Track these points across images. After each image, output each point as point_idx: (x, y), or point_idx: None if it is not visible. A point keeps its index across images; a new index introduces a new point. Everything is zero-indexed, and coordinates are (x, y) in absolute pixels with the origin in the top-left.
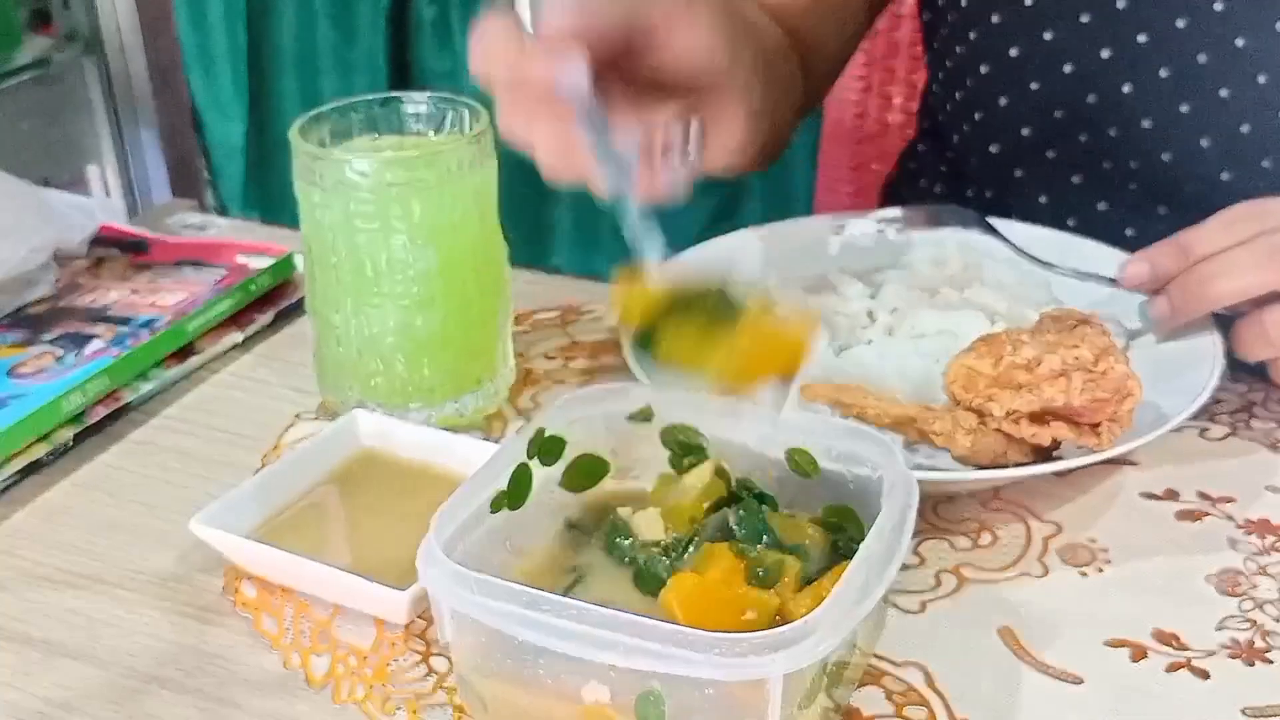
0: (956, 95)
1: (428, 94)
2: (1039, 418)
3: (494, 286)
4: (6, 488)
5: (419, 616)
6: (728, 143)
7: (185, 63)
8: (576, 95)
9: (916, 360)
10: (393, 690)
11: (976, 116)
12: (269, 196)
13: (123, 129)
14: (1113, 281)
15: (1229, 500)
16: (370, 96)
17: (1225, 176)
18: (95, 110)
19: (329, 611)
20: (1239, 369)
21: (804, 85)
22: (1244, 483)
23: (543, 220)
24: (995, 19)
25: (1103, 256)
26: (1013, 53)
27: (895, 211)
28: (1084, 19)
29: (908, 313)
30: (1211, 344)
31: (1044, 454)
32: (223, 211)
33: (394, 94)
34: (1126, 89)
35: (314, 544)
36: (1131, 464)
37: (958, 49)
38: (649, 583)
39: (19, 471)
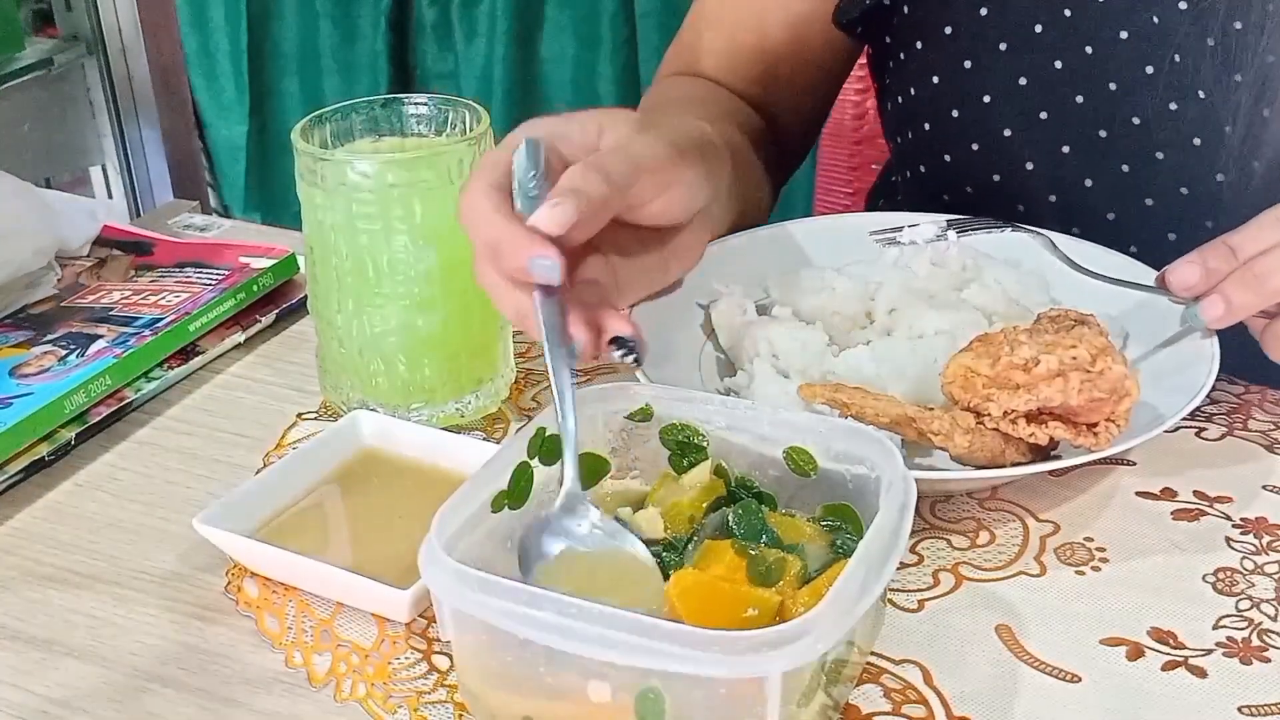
0: (909, 134)
1: (429, 95)
2: (1036, 417)
3: None
4: (9, 487)
5: (420, 615)
6: (687, 266)
7: (187, 64)
8: (544, 283)
9: (914, 361)
10: (394, 688)
11: (921, 168)
12: (271, 197)
13: (125, 130)
14: (1150, 288)
15: (1226, 500)
16: (372, 98)
17: (1172, 235)
18: (97, 111)
19: (331, 610)
20: (1236, 369)
21: (778, 159)
22: (1241, 482)
23: None
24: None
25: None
26: (954, 113)
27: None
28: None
29: (906, 313)
30: (1209, 344)
31: (1041, 453)
32: (225, 212)
33: (395, 95)
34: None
35: (316, 543)
36: (1129, 464)
37: (907, 97)
38: None
39: (22, 471)
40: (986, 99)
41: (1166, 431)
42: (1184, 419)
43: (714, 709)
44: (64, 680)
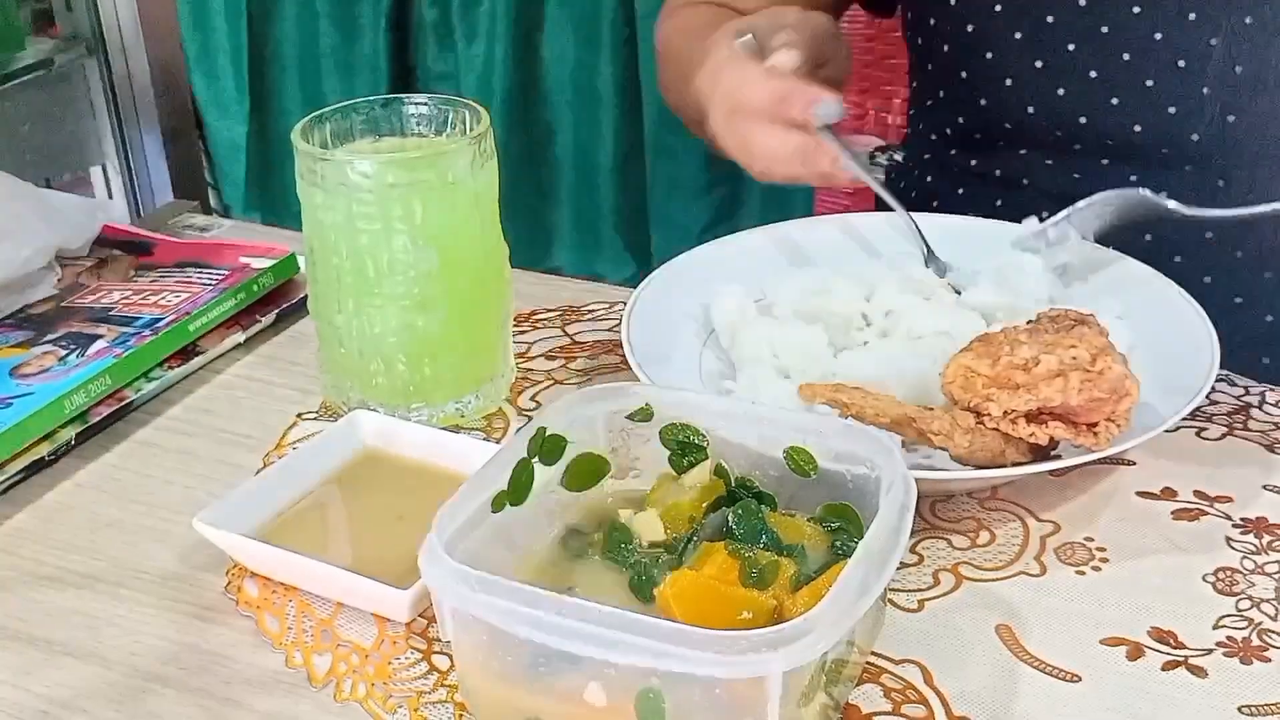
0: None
1: (429, 95)
2: (1036, 417)
3: (495, 287)
4: (9, 487)
5: (420, 615)
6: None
7: (188, 64)
8: (829, 121)
9: (913, 361)
10: (394, 688)
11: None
12: (271, 197)
13: (125, 130)
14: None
15: (1226, 499)
16: (372, 98)
17: (1193, 137)
18: (97, 111)
19: (331, 610)
20: (1236, 370)
21: None
22: (1241, 482)
23: (543, 221)
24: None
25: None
26: (988, 55)
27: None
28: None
29: (905, 313)
30: (1210, 345)
31: (1041, 453)
32: (225, 212)
33: (395, 95)
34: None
35: (316, 543)
36: (1129, 463)
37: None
38: (644, 590)
39: (22, 471)
40: (989, 55)
41: (1166, 431)
42: (1184, 419)
43: (714, 709)
44: (64, 680)
